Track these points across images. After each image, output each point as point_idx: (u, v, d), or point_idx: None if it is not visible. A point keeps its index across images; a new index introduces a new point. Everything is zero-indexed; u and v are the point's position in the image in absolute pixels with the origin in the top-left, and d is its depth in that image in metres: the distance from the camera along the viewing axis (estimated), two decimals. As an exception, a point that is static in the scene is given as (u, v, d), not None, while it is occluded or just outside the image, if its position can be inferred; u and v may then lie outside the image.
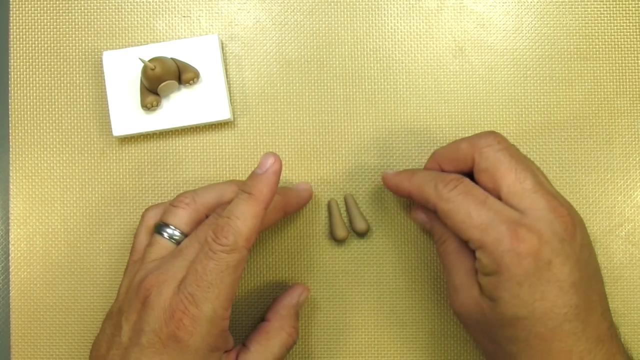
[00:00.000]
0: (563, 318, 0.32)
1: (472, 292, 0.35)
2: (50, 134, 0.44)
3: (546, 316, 0.32)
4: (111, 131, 0.42)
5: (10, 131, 0.44)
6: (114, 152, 0.43)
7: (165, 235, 0.36)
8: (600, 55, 0.43)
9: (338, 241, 0.42)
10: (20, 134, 0.44)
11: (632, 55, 0.43)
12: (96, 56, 0.44)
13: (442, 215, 0.35)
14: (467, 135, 0.43)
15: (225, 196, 0.37)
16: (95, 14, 0.44)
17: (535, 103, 0.43)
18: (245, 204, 0.33)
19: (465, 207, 0.34)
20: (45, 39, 0.44)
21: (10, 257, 0.43)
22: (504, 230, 0.32)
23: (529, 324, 0.32)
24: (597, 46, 0.43)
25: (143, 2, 0.44)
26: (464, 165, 0.36)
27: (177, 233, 0.36)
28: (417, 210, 0.40)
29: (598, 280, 0.35)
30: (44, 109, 0.44)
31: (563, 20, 0.44)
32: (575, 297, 0.32)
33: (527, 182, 0.34)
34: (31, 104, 0.44)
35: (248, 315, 0.43)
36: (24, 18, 0.44)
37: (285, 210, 0.39)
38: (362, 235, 0.42)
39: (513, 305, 0.32)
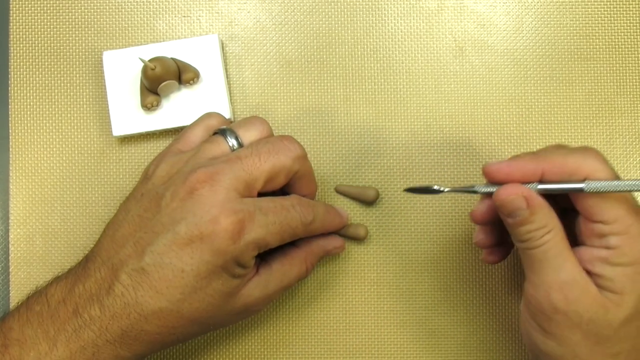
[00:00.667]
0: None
1: (589, 288, 0.32)
2: (50, 134, 0.44)
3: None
4: (111, 131, 0.42)
5: (10, 131, 0.44)
6: (114, 152, 0.43)
7: (228, 140, 0.35)
8: (600, 55, 0.43)
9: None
10: (20, 134, 0.44)
11: (632, 55, 0.43)
12: (96, 56, 0.44)
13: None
14: (467, 134, 0.43)
15: None
16: (95, 14, 0.44)
17: (535, 103, 0.43)
18: (325, 213, 0.38)
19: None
20: (45, 39, 0.44)
21: (10, 257, 0.43)
22: None
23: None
24: (597, 46, 0.43)
25: (143, 2, 0.44)
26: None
27: (237, 143, 0.36)
28: (514, 196, 0.33)
29: None
30: (44, 109, 0.44)
31: (563, 20, 0.44)
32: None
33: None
34: (31, 104, 0.44)
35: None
36: (24, 18, 0.44)
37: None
38: (373, 202, 0.42)
39: (597, 344, 0.32)
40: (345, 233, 0.42)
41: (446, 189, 0.36)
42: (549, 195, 0.34)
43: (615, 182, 0.32)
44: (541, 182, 0.34)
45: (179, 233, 0.32)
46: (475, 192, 0.35)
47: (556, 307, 0.32)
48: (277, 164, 0.35)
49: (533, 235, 0.33)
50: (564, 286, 0.32)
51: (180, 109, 0.42)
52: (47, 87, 0.44)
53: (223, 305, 0.34)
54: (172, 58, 0.41)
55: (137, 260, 0.33)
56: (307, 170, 0.37)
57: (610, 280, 0.32)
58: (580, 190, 0.32)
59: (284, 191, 0.38)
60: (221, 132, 0.36)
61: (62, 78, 0.44)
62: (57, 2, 0.44)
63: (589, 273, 0.33)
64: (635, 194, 0.38)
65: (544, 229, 0.33)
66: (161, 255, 0.32)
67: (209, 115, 0.39)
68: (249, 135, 0.36)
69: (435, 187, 0.36)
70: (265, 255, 0.37)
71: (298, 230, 0.36)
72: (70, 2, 0.44)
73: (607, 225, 0.32)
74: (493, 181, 0.34)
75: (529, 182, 0.34)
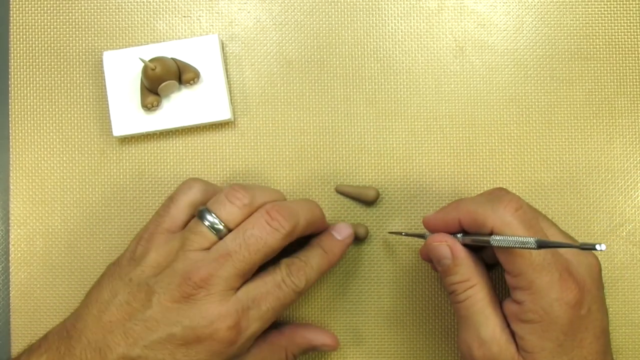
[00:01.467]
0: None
1: (508, 348, 0.33)
2: (50, 134, 0.44)
3: None
4: (111, 131, 0.42)
5: (10, 131, 0.44)
6: (114, 152, 0.43)
7: (207, 223, 0.35)
8: (600, 55, 0.43)
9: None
10: (20, 134, 0.44)
11: (632, 55, 0.43)
12: (96, 56, 0.44)
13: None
14: (466, 134, 0.43)
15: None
16: (95, 14, 0.44)
17: (535, 103, 0.43)
18: (321, 259, 0.37)
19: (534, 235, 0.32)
20: (45, 39, 0.44)
21: (10, 257, 0.43)
22: (557, 277, 0.32)
23: None
24: (597, 46, 0.43)
25: (143, 2, 0.44)
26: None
27: (221, 227, 0.35)
28: (439, 242, 0.35)
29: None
30: (44, 109, 0.44)
31: (563, 20, 0.44)
32: (604, 343, 0.33)
33: (551, 230, 0.34)
34: (31, 104, 0.44)
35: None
36: (24, 18, 0.44)
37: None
38: (373, 202, 0.42)
39: (555, 355, 0.32)
40: None
41: (403, 233, 0.41)
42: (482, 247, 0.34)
43: (511, 238, 0.31)
44: (464, 232, 0.35)
45: (175, 335, 0.33)
46: (424, 237, 0.38)
47: None
48: (268, 250, 0.34)
49: (456, 288, 0.34)
50: (484, 344, 0.33)
51: (180, 109, 0.42)
52: (47, 87, 0.44)
53: None
54: (172, 58, 0.41)
55: (128, 349, 0.33)
56: (303, 229, 0.36)
57: (522, 338, 0.33)
58: (487, 243, 0.32)
59: None
60: (200, 216, 0.35)
61: (62, 78, 0.44)
62: (57, 2, 0.44)
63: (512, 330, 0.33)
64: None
65: (467, 283, 0.34)
66: (154, 350, 0.33)
67: (190, 186, 0.37)
68: (231, 216, 0.35)
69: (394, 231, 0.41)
70: None
71: (292, 301, 0.36)
72: (70, 2, 0.44)
73: (513, 279, 0.33)
74: (429, 230, 0.37)
75: (451, 232, 0.35)
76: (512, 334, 0.33)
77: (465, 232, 0.35)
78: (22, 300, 0.43)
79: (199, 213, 0.35)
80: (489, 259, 0.37)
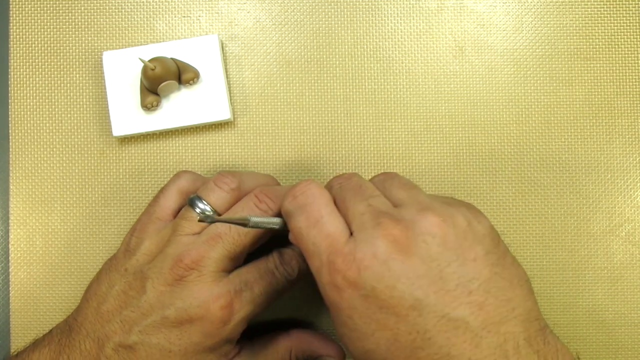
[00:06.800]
0: (412, 345, 0.28)
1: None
2: (50, 134, 0.44)
3: (394, 346, 0.28)
4: (111, 131, 0.42)
5: (10, 131, 0.44)
6: (114, 152, 0.43)
7: (197, 209, 0.35)
8: (600, 55, 0.43)
9: None
10: (20, 134, 0.44)
11: (632, 55, 0.43)
12: (96, 56, 0.44)
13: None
14: (466, 134, 0.43)
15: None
16: (95, 14, 0.44)
17: (535, 103, 0.43)
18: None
19: (300, 224, 0.31)
20: (45, 39, 0.44)
21: (10, 257, 0.43)
22: (324, 260, 0.29)
23: (382, 358, 0.28)
24: (597, 46, 0.43)
25: (143, 2, 0.44)
26: None
27: (211, 212, 0.35)
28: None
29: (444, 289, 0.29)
30: (44, 109, 0.44)
31: (563, 20, 0.44)
32: (417, 322, 0.28)
33: (359, 206, 0.31)
34: (31, 104, 0.44)
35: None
36: (24, 18, 0.44)
37: None
38: None
39: (356, 339, 0.29)
40: None
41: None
42: None
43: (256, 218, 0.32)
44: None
45: (168, 317, 0.33)
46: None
47: None
48: (258, 233, 0.35)
49: None
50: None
51: (180, 109, 0.42)
52: (47, 87, 0.44)
53: None
54: (172, 58, 0.41)
55: (124, 336, 0.33)
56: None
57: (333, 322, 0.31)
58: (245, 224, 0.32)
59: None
60: (191, 203, 0.36)
61: (62, 78, 0.44)
62: (57, 2, 0.44)
63: None
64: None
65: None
66: (149, 335, 0.33)
67: (179, 175, 0.38)
68: (220, 200, 0.36)
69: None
70: (250, 329, 0.37)
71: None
72: (70, 2, 0.44)
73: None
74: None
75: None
76: None
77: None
78: (22, 300, 0.43)
79: (189, 200, 0.36)
80: None
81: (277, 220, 0.34)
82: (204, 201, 0.36)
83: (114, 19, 0.44)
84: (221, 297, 0.33)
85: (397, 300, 0.28)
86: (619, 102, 0.43)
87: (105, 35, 0.44)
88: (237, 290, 0.34)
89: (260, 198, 0.35)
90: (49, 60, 0.44)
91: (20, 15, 0.44)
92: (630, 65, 0.43)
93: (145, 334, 0.33)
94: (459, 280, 0.28)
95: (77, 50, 0.44)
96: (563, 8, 0.44)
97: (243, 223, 0.31)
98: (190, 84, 0.42)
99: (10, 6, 0.44)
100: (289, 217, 0.32)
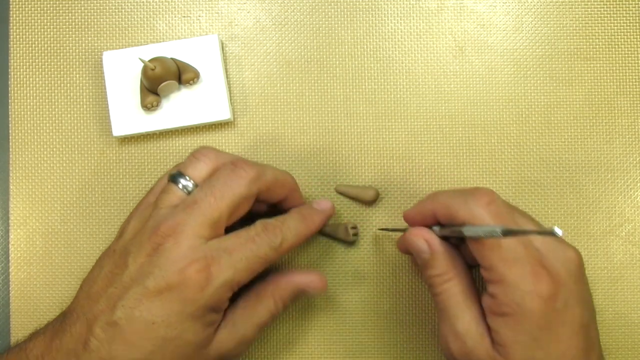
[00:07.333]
0: None
1: (483, 341, 0.33)
2: (50, 134, 0.44)
3: (559, 359, 0.31)
4: (111, 131, 0.42)
5: (10, 131, 0.44)
6: (114, 152, 0.43)
7: (180, 185, 0.36)
8: (600, 55, 0.43)
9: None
10: (20, 134, 0.44)
11: (632, 55, 0.43)
12: (96, 56, 0.44)
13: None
14: (466, 134, 0.43)
15: None
16: (95, 14, 0.44)
17: (535, 103, 0.43)
18: (298, 222, 0.37)
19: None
20: (45, 39, 0.44)
21: (10, 258, 0.43)
22: (528, 269, 0.31)
23: None
24: (597, 46, 0.43)
25: (143, 2, 0.44)
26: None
27: (190, 184, 0.36)
28: (416, 236, 0.36)
29: (595, 316, 0.35)
30: (44, 109, 0.44)
31: (563, 20, 0.44)
32: (583, 339, 0.32)
33: (527, 225, 0.34)
34: (31, 104, 0.44)
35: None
36: (24, 18, 0.44)
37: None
38: (373, 202, 0.42)
39: (530, 349, 0.31)
40: (334, 235, 0.42)
41: (390, 229, 0.41)
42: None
43: (480, 228, 0.32)
44: (440, 225, 0.35)
45: (148, 287, 0.33)
46: (402, 231, 0.38)
47: (454, 355, 0.33)
48: (234, 197, 0.35)
49: (434, 282, 0.35)
50: (459, 337, 0.33)
51: (180, 109, 0.42)
52: (47, 87, 0.44)
53: (195, 357, 0.34)
54: (172, 58, 0.41)
55: (110, 314, 0.33)
56: (269, 183, 0.36)
57: (496, 331, 0.32)
58: (461, 234, 0.32)
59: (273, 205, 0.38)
60: (171, 179, 0.36)
61: (62, 78, 0.44)
62: (57, 2, 0.44)
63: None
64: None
65: (444, 277, 0.34)
66: (132, 308, 0.33)
67: (174, 167, 0.38)
68: (197, 171, 0.36)
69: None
70: (235, 296, 0.36)
71: (270, 257, 0.35)
72: (70, 2, 0.44)
73: (486, 272, 0.33)
74: (408, 224, 0.37)
75: (429, 226, 0.35)
76: (488, 328, 0.33)
77: (442, 225, 0.35)
78: (22, 300, 0.43)
79: (170, 176, 0.36)
80: (471, 260, 0.37)
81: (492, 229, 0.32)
82: (181, 173, 0.36)
83: (114, 19, 0.44)
84: (197, 261, 0.33)
85: (578, 318, 0.32)
86: (619, 102, 0.43)
87: (105, 35, 0.44)
88: (215, 256, 0.33)
89: (237, 164, 0.35)
90: (49, 60, 0.44)
91: (20, 15, 0.44)
92: (630, 65, 0.43)
93: (128, 307, 0.33)
94: None
95: (77, 50, 0.44)
96: (563, 8, 0.44)
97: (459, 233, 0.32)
98: (190, 84, 0.42)
99: (10, 6, 0.44)
100: (476, 218, 0.32)
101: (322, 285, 0.38)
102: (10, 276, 0.43)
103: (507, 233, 0.30)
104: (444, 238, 0.35)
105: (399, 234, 0.40)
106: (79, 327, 0.33)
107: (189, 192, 0.35)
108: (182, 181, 0.36)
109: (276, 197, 0.38)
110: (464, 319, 0.33)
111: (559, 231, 0.27)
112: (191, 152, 0.37)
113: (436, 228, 0.35)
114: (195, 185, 0.36)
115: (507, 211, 0.33)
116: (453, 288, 0.34)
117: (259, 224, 0.36)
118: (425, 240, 0.35)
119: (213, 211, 0.34)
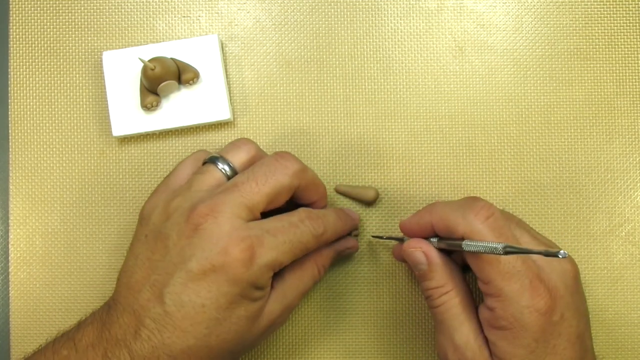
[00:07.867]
0: None
1: (482, 353, 0.33)
2: (50, 134, 0.44)
3: None
4: (111, 131, 0.42)
5: (10, 131, 0.44)
6: (114, 152, 0.43)
7: (219, 166, 0.36)
8: (600, 55, 0.43)
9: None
10: (20, 134, 0.44)
11: (632, 55, 0.43)
12: (96, 56, 0.44)
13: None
14: (466, 134, 0.43)
15: None
16: (95, 14, 0.44)
17: (535, 103, 0.43)
18: (337, 220, 0.38)
19: None
20: (45, 39, 0.44)
21: (10, 257, 0.43)
22: (527, 284, 0.32)
23: None
24: (597, 46, 0.43)
25: (143, 2, 0.44)
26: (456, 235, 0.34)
27: (229, 168, 0.36)
28: (414, 248, 0.35)
29: (589, 324, 0.35)
30: (44, 109, 0.44)
31: (563, 20, 0.44)
32: (580, 349, 0.32)
33: (524, 237, 0.34)
34: (31, 104, 0.44)
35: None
36: (24, 18, 0.44)
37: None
38: (373, 202, 0.42)
39: None
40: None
41: (384, 237, 0.41)
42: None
43: (481, 244, 0.31)
44: (438, 237, 0.35)
45: (192, 270, 0.32)
46: (396, 239, 0.39)
47: None
48: (276, 185, 0.35)
49: (432, 294, 0.35)
50: (458, 349, 0.33)
51: (180, 109, 0.42)
52: (47, 87, 0.44)
53: (249, 329, 0.34)
54: (172, 58, 0.41)
55: (158, 303, 0.33)
56: (309, 181, 0.37)
57: (494, 344, 0.33)
58: (460, 247, 0.32)
59: (295, 203, 0.38)
60: (211, 161, 0.36)
61: (62, 78, 0.44)
62: (57, 2, 0.44)
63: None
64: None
65: (442, 289, 0.34)
66: (179, 294, 0.32)
67: (197, 152, 0.39)
68: (238, 158, 0.36)
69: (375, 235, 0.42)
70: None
71: (310, 245, 0.35)
72: (70, 2, 0.44)
73: (484, 285, 0.33)
74: (405, 234, 0.37)
75: (427, 237, 0.35)
76: (486, 340, 0.33)
77: (439, 237, 0.35)
78: (21, 300, 0.43)
79: (209, 158, 0.36)
80: (461, 261, 0.37)
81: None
82: (222, 157, 0.36)
83: (114, 19, 0.44)
84: (241, 240, 0.32)
85: (574, 328, 0.33)
86: (619, 102, 0.43)
87: (105, 35, 0.44)
88: (259, 235, 0.33)
89: (281, 155, 0.35)
90: (49, 60, 0.44)
91: (20, 15, 0.44)
92: (630, 65, 0.43)
93: (175, 294, 0.32)
94: None
95: (77, 50, 0.44)
96: (563, 8, 0.44)
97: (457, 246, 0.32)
98: (190, 84, 0.42)
99: (10, 6, 0.44)
100: (474, 232, 0.32)
101: (357, 245, 0.41)
102: (10, 276, 0.43)
103: (509, 252, 0.30)
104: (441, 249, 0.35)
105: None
106: (126, 318, 0.33)
107: (228, 177, 0.35)
108: (221, 164, 0.36)
109: (308, 198, 0.38)
110: (462, 331, 0.33)
111: (563, 254, 0.27)
112: (233, 141, 0.37)
113: (434, 240, 0.35)
114: (234, 172, 0.35)
115: (505, 225, 0.33)
116: (451, 300, 0.34)
117: (302, 211, 0.36)
118: (424, 252, 0.35)
119: (254, 195, 0.34)
